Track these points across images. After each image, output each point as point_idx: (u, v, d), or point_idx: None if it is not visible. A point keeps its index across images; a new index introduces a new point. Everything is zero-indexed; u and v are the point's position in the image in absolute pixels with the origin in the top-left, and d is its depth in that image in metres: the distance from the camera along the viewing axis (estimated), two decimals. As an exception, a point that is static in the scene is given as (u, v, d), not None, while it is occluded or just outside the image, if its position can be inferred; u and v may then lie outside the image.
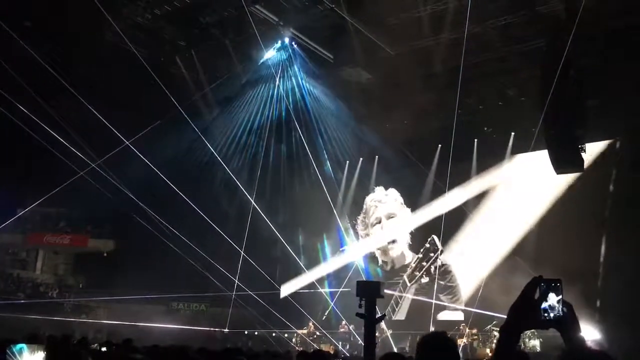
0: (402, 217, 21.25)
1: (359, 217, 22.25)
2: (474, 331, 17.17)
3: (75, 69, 16.19)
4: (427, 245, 19.88)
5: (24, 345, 5.02)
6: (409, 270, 20.31)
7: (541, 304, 2.00)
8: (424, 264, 19.82)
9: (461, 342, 16.93)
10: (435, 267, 19.39)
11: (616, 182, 16.82)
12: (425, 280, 19.73)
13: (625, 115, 15.94)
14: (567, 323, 2.00)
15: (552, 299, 2.00)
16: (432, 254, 19.75)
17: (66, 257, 26.56)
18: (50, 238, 24.86)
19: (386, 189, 21.71)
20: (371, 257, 21.69)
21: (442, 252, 19.52)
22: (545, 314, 2.00)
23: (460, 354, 13.08)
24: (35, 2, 15.92)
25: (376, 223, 21.80)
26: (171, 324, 19.60)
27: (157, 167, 16.03)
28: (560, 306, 2.00)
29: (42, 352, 4.92)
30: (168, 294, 21.13)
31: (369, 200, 22.02)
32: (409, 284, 20.00)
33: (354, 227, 22.16)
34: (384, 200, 21.69)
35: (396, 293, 19.98)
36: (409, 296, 19.83)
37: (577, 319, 2.04)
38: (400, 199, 21.37)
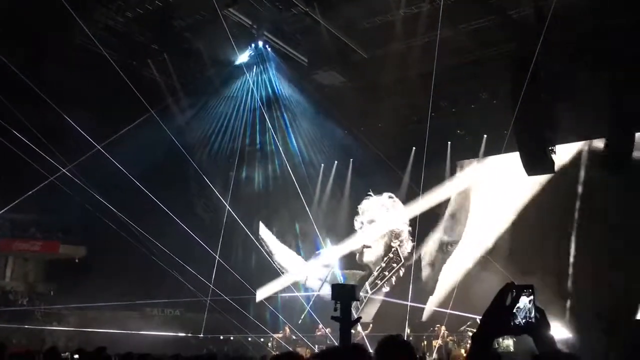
0: (379, 225, 21.33)
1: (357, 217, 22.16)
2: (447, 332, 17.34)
3: (45, 73, 15.89)
4: (391, 255, 20.13)
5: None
6: (371, 278, 20.49)
7: (513, 310, 2.01)
8: (386, 273, 20.07)
9: (436, 343, 17.07)
10: (398, 278, 19.70)
11: (585, 183, 17.14)
12: (385, 289, 19.95)
13: (594, 117, 16.26)
14: (539, 329, 2.02)
15: (524, 305, 2.02)
16: (394, 265, 20.03)
17: (37, 264, 25.98)
18: (20, 244, 24.29)
19: (379, 193, 21.73)
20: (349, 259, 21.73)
21: (404, 263, 19.78)
22: (518, 320, 2.01)
23: (435, 355, 13.19)
24: (3, 3, 15.61)
25: (359, 228, 21.87)
26: (146, 330, 19.34)
27: (129, 172, 15.82)
28: (533, 312, 2.02)
29: None
30: (142, 299, 20.84)
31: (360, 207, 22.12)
32: (369, 291, 20.21)
33: (328, 232, 22.05)
34: (369, 208, 21.74)
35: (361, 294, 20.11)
36: (384, 299, 19.90)
37: (549, 324, 2.06)
38: (389, 201, 21.34)
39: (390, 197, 21.42)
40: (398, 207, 21.13)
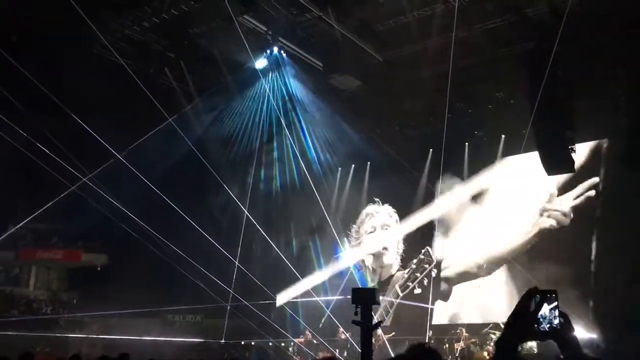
0: (394, 230, 21.34)
1: (353, 226, 22.26)
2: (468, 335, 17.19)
3: (63, 82, 16.11)
4: (422, 256, 19.91)
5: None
6: (401, 280, 20.32)
7: (537, 315, 1.99)
8: (417, 274, 19.85)
9: (458, 346, 16.94)
10: (430, 279, 19.39)
11: (605, 181, 16.94)
12: (417, 291, 19.72)
13: (613, 115, 16.07)
14: (563, 333, 2.01)
15: (548, 309, 2.00)
16: (426, 265, 19.79)
17: (59, 273, 26.35)
18: (42, 253, 24.66)
19: (382, 203, 21.76)
20: (362, 265, 21.71)
21: (436, 263, 19.54)
22: (542, 325, 2.00)
23: (458, 358, 13.10)
24: (21, 16, 15.86)
25: (371, 232, 21.85)
26: (167, 337, 19.48)
27: (149, 179, 15.97)
28: (557, 317, 2.00)
29: None
30: (163, 306, 21.00)
31: (365, 211, 22.09)
32: (400, 294, 20.02)
33: (347, 236, 22.16)
34: (380, 212, 21.77)
35: (388, 298, 19.99)
36: (403, 302, 19.78)
37: (574, 328, 2.04)
38: (395, 216, 21.42)
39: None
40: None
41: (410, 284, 19.93)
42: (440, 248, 19.68)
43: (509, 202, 18.46)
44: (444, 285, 19.55)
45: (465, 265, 19.27)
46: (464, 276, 19.21)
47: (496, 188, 18.88)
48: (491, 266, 18.50)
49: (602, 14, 14.47)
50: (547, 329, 1.99)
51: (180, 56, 18.48)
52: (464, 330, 17.38)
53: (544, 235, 17.49)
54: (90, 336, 20.18)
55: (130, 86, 15.37)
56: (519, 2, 15.18)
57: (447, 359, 15.61)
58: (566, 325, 2.01)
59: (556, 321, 1.99)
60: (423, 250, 19.85)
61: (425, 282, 19.53)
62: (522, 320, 1.99)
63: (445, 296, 19.33)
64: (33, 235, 24.39)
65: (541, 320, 1.99)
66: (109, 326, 20.73)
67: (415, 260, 20.11)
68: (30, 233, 24.01)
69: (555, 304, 2.01)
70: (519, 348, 2.06)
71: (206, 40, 17.64)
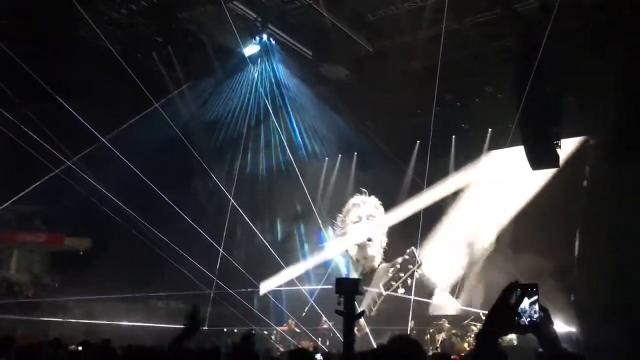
0: (380, 222, 21.37)
1: (339, 215, 22.27)
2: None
3: (49, 65, 15.90)
4: (406, 256, 19.95)
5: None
6: (384, 279, 20.40)
7: (518, 309, 2.01)
8: (401, 274, 19.91)
9: (440, 337, 17.10)
10: (412, 280, 19.47)
11: (590, 177, 17.08)
12: (401, 291, 19.79)
13: (600, 111, 16.19)
14: (543, 327, 2.03)
15: (529, 303, 2.02)
16: (410, 266, 19.85)
17: (42, 256, 26.09)
18: (25, 236, 24.41)
19: (369, 194, 21.76)
20: (347, 255, 21.75)
21: (420, 265, 19.59)
22: (522, 319, 2.02)
23: (438, 349, 13.22)
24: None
25: (356, 222, 21.87)
26: (150, 322, 19.42)
27: (134, 164, 15.84)
28: (537, 311, 2.03)
29: None
30: (146, 292, 20.90)
31: (352, 201, 22.08)
32: (384, 293, 20.10)
33: (332, 225, 22.17)
34: (367, 202, 21.78)
35: (374, 289, 20.07)
36: (389, 293, 19.86)
37: (553, 323, 2.07)
38: (381, 208, 21.44)
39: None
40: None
41: (393, 283, 20.02)
42: (424, 247, 19.75)
43: (494, 194, 18.56)
44: (427, 285, 19.65)
45: (447, 259, 19.39)
46: (447, 272, 19.35)
47: (481, 181, 18.98)
48: (474, 258, 18.64)
49: (590, 9, 14.56)
50: (527, 323, 2.02)
51: (168, 41, 18.30)
52: (446, 321, 17.54)
53: (527, 228, 17.61)
54: (72, 320, 20.06)
55: (117, 70, 15.22)
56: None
57: (428, 349, 15.73)
58: (546, 319, 2.03)
59: (536, 315, 2.02)
60: (408, 251, 19.93)
61: (409, 282, 19.65)
62: (503, 313, 2.01)
63: (428, 295, 19.44)
64: (15, 218, 24.13)
65: (521, 314, 2.01)
66: (92, 311, 20.62)
67: (400, 260, 20.17)
68: (12, 215, 23.74)
69: (535, 298, 2.03)
70: (499, 340, 2.08)
71: (195, 26, 17.51)
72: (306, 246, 22.45)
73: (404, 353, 2.41)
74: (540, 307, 2.02)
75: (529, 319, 2.01)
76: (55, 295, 22.45)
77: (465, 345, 16.21)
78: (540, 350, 2.14)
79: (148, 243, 17.06)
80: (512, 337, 15.39)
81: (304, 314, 20.48)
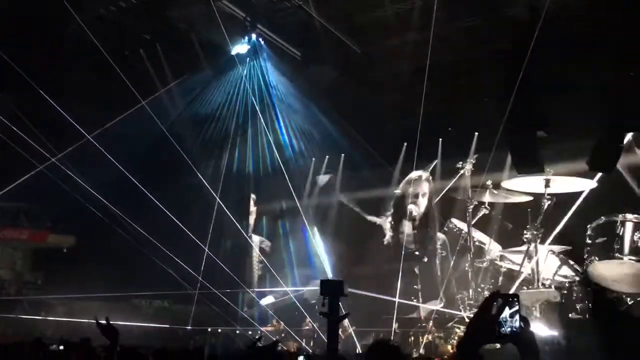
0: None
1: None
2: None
3: (34, 60, 15.79)
4: None
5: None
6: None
7: (499, 319, 2.03)
8: None
9: (424, 339, 17.11)
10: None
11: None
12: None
13: (587, 117, 16.28)
14: (523, 337, 2.05)
15: (510, 313, 2.04)
16: None
17: (24, 253, 25.84)
18: (7, 232, 24.16)
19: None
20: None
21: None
22: (503, 329, 2.04)
23: (422, 351, 13.21)
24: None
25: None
26: (134, 322, 19.29)
27: (120, 162, 15.75)
28: (518, 321, 2.05)
29: None
30: (130, 291, 20.78)
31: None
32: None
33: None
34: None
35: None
36: (370, 294, 19.74)
37: (533, 333, 2.09)
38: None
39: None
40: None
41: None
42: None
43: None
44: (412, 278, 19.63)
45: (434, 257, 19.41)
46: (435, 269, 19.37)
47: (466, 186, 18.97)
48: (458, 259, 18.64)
49: (579, 14, 14.68)
50: (507, 333, 2.03)
51: (156, 39, 18.23)
52: (431, 323, 17.52)
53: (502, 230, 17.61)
54: (55, 319, 19.88)
55: (104, 67, 15.15)
56: (498, 1, 15.32)
57: (412, 352, 15.76)
58: (526, 329, 2.05)
59: (517, 325, 2.03)
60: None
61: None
62: (484, 323, 2.02)
63: (414, 290, 19.41)
64: (-2, 214, 23.92)
65: (502, 323, 2.02)
66: (75, 309, 20.45)
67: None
68: (-5, 211, 23.52)
69: (516, 308, 2.05)
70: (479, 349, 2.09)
71: (184, 24, 17.45)
72: (291, 246, 22.38)
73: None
74: (521, 317, 2.05)
75: (509, 329, 2.02)
76: (38, 292, 22.28)
77: (449, 347, 16.23)
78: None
79: (133, 242, 16.97)
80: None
81: (288, 314, 20.39)
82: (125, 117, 16.73)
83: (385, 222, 20.69)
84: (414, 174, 20.06)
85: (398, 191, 20.13)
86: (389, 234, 20.39)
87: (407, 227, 20.05)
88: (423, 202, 19.94)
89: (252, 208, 22.78)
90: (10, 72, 13.72)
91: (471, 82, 18.45)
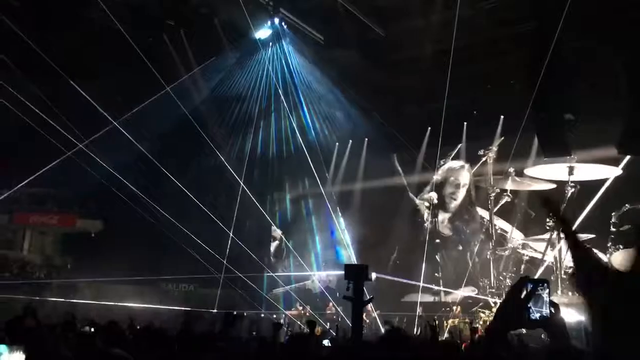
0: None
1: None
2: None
3: (61, 47, 15.95)
4: None
5: (3, 346, 4.93)
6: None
7: (528, 304, 2.01)
8: None
9: (451, 323, 17.06)
10: None
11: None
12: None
13: (615, 98, 15.93)
14: (553, 323, 2.02)
15: (539, 298, 2.02)
16: None
17: (54, 237, 26.40)
18: (37, 218, 24.69)
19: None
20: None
21: None
22: (532, 314, 2.01)
23: (447, 335, 13.19)
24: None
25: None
26: (160, 305, 19.60)
27: (146, 147, 15.92)
28: (547, 306, 2.02)
29: (22, 353, 4.84)
30: (157, 274, 21.09)
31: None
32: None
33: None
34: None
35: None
36: (394, 278, 19.73)
37: (563, 318, 2.06)
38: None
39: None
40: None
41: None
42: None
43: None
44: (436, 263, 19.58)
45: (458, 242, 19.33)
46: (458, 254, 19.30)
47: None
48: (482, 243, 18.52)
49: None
50: (537, 318, 2.01)
51: (179, 24, 18.27)
52: (458, 308, 17.42)
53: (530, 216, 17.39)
54: (84, 302, 20.29)
55: (129, 53, 15.23)
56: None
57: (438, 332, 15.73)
58: (556, 315, 2.02)
59: (546, 310, 2.01)
60: None
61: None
62: (513, 308, 2.00)
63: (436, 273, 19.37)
64: (28, 200, 24.39)
65: (531, 308, 2.00)
66: (103, 292, 20.83)
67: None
68: (25, 197, 23.99)
69: (546, 293, 2.02)
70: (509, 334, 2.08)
71: (207, 9, 17.45)
72: (315, 231, 22.41)
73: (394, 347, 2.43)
74: (551, 303, 2.02)
75: (539, 314, 2.00)
76: (67, 276, 22.73)
77: (473, 332, 16.15)
78: (548, 342, 2.13)
79: (159, 226, 17.20)
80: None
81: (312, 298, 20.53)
82: (151, 102, 16.86)
83: (422, 205, 20.64)
84: (456, 163, 20.04)
85: (437, 177, 20.02)
86: (428, 219, 20.17)
87: (442, 214, 20.08)
88: (462, 192, 19.97)
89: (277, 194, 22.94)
90: (37, 58, 13.90)
91: (497, 65, 18.17)
